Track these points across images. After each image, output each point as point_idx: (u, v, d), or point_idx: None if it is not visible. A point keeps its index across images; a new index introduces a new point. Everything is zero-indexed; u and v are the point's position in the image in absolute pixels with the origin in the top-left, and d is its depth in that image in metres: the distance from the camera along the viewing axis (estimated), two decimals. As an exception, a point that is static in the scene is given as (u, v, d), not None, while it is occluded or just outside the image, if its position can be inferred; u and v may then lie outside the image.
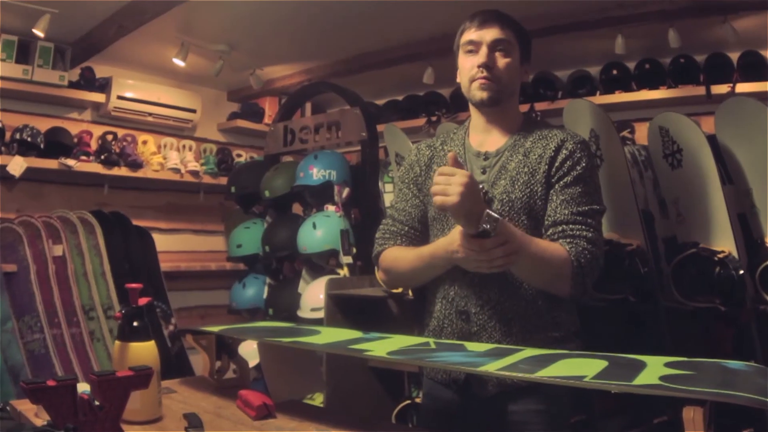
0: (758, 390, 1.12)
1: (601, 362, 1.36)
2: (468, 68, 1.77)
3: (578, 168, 1.70)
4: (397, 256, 1.85)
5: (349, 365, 3.08)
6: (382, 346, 1.57)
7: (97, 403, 1.25)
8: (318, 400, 2.97)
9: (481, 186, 1.73)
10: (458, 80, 1.84)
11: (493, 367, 1.32)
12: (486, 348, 1.57)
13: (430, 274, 1.80)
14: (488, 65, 1.73)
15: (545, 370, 1.29)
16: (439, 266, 1.74)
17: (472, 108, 1.85)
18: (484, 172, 1.77)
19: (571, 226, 1.66)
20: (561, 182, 1.70)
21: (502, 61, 1.74)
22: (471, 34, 1.76)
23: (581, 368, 1.31)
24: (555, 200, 1.69)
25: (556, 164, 1.71)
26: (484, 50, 1.73)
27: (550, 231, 1.68)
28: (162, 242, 4.35)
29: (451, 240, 1.64)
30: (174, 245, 4.66)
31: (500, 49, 1.74)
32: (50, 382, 1.18)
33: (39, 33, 3.41)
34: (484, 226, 1.49)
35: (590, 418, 2.22)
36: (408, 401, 3.09)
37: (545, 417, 1.67)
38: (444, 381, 1.82)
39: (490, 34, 1.74)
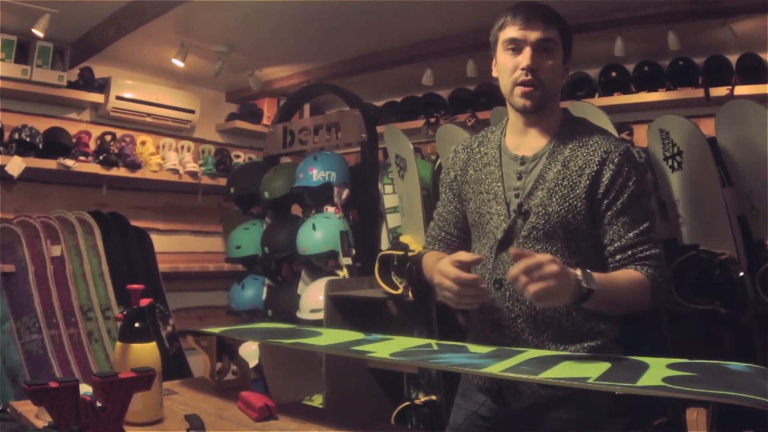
0: (760, 391, 1.13)
1: (603, 364, 1.37)
2: (510, 68, 1.67)
3: (630, 185, 1.63)
4: (425, 263, 1.85)
5: (348, 366, 3.08)
6: (385, 348, 1.58)
7: (99, 404, 1.25)
8: (317, 401, 2.97)
9: (516, 194, 1.70)
10: (495, 74, 1.76)
11: (496, 368, 1.33)
12: (488, 350, 1.57)
13: None
14: (533, 68, 1.64)
15: (548, 372, 1.30)
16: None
17: (510, 109, 1.77)
18: (519, 178, 1.71)
19: (639, 248, 1.62)
20: (618, 203, 1.63)
21: (546, 63, 1.65)
22: (513, 32, 1.66)
23: (585, 370, 1.31)
24: (616, 223, 1.64)
25: (605, 182, 1.63)
26: (528, 51, 1.64)
27: (619, 257, 1.63)
28: (160, 243, 4.34)
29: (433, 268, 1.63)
30: (172, 246, 4.65)
31: (545, 49, 1.65)
32: (52, 384, 1.18)
33: (38, 33, 3.41)
34: (585, 286, 1.46)
35: (589, 419, 2.22)
36: (407, 402, 3.08)
37: (578, 427, 1.62)
38: (480, 386, 1.78)
39: (535, 33, 1.64)
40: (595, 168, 1.63)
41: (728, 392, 1.13)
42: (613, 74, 3.92)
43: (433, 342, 1.70)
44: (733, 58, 3.55)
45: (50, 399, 1.17)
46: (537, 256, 1.40)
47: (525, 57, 1.64)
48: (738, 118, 2.17)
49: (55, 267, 3.46)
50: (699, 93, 3.58)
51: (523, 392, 1.67)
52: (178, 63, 3.92)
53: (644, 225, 1.63)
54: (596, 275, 1.49)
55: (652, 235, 1.63)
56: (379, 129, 3.69)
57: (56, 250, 3.46)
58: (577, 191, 1.63)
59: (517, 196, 1.69)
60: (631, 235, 1.62)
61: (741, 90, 3.39)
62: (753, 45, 3.45)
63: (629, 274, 1.60)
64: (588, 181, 1.63)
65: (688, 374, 1.26)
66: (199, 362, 3.62)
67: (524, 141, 1.74)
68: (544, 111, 1.70)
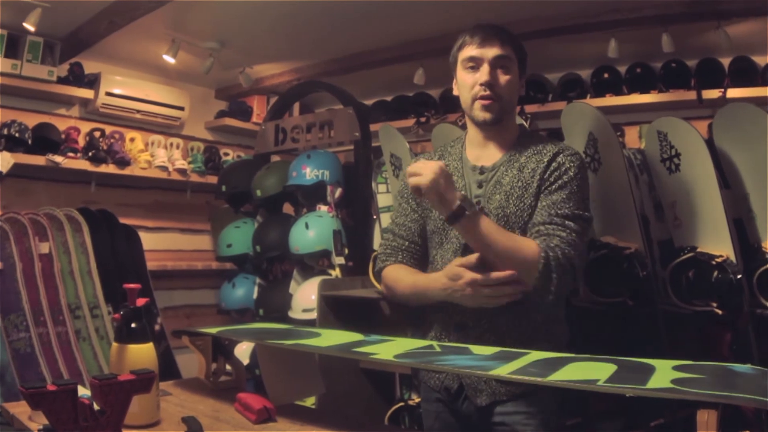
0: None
1: (609, 366, 1.36)
2: (470, 85, 1.79)
3: (564, 177, 1.74)
4: (397, 277, 1.89)
5: (341, 366, 3.06)
6: (387, 350, 1.56)
7: (97, 407, 1.22)
8: (308, 401, 2.95)
9: (477, 200, 1.78)
10: (456, 93, 1.87)
11: (504, 371, 1.32)
12: (492, 351, 1.56)
13: (425, 301, 1.85)
14: (491, 83, 1.75)
15: (557, 374, 1.29)
16: (433, 298, 1.78)
17: (470, 123, 1.87)
18: (480, 186, 1.81)
19: (547, 225, 1.69)
20: (546, 190, 1.74)
21: (503, 78, 1.77)
22: (472, 50, 1.78)
23: (592, 372, 1.31)
24: (539, 206, 1.73)
25: (546, 176, 1.74)
26: (486, 68, 1.76)
27: (529, 233, 1.72)
28: (148, 241, 4.30)
29: (450, 277, 1.69)
30: (160, 244, 4.61)
31: (501, 66, 1.77)
32: (50, 387, 1.15)
33: (30, 27, 3.36)
34: (460, 203, 1.61)
35: (586, 421, 2.23)
36: (401, 403, 3.07)
37: (535, 420, 1.70)
38: (435, 387, 1.85)
39: (492, 51, 1.76)
40: (544, 167, 1.75)
41: (740, 394, 1.13)
42: (606, 75, 3.94)
43: (434, 343, 1.69)
44: (725, 61, 3.57)
45: (48, 403, 1.14)
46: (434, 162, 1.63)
47: (483, 73, 1.76)
48: (737, 120, 2.17)
49: (43, 264, 3.41)
50: (691, 95, 3.59)
51: (483, 390, 1.73)
52: (170, 59, 3.88)
53: (564, 210, 1.70)
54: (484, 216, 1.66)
55: (568, 223, 1.69)
56: (373, 127, 3.67)
57: (44, 247, 3.41)
58: (530, 191, 1.74)
59: (478, 203, 1.77)
60: (545, 213, 1.70)
61: (733, 93, 3.42)
62: (746, 48, 3.46)
63: (524, 238, 1.69)
64: (538, 179, 1.75)
65: (695, 376, 1.26)
66: (186, 361, 3.59)
67: (484, 153, 1.85)
68: (502, 124, 1.81)
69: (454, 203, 1.62)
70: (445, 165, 1.65)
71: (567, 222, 1.69)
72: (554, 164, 1.75)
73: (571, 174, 1.74)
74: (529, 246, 1.65)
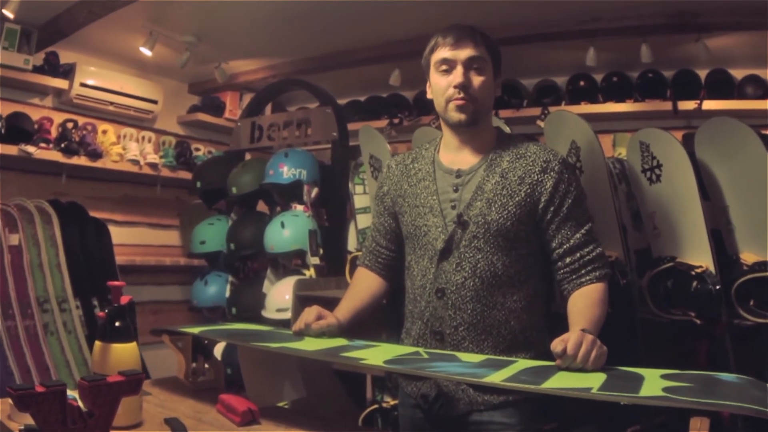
0: (757, 401, 1.17)
1: (599, 374, 1.38)
2: (443, 88, 1.75)
3: (572, 190, 1.74)
4: (352, 283, 2.04)
5: (314, 368, 3.03)
6: (375, 355, 1.56)
7: (85, 409, 1.19)
8: (281, 403, 2.92)
9: (452, 205, 1.75)
10: (429, 97, 1.83)
11: (497, 378, 1.32)
12: (480, 359, 1.57)
13: None
14: (465, 85, 1.71)
15: (548, 382, 1.30)
16: None
17: (445, 127, 1.84)
18: (456, 190, 1.77)
19: (586, 249, 1.72)
20: (564, 209, 1.72)
21: (477, 80, 1.73)
22: (445, 52, 1.73)
23: (583, 380, 1.32)
24: (564, 227, 1.73)
25: (548, 189, 1.71)
26: (459, 69, 1.72)
27: (569, 260, 1.72)
28: (117, 235, 4.21)
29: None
30: (129, 238, 4.53)
31: (475, 67, 1.73)
32: (39, 388, 1.12)
33: (9, 14, 3.29)
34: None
35: (562, 426, 2.24)
36: (375, 406, 3.06)
37: (513, 430, 1.68)
38: (412, 394, 1.82)
39: (465, 52, 1.72)
40: (536, 177, 1.72)
41: (733, 402, 1.17)
42: (582, 83, 3.96)
43: (420, 350, 1.69)
44: (702, 73, 3.61)
45: (37, 404, 1.11)
46: (573, 339, 1.43)
47: (457, 75, 1.73)
48: (720, 133, 2.20)
49: (13, 256, 3.33)
50: (666, 106, 3.64)
51: (461, 399, 1.71)
52: (146, 52, 3.83)
53: (587, 226, 1.75)
54: (586, 322, 1.59)
55: (594, 235, 1.77)
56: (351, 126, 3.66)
57: (14, 239, 3.33)
58: (516, 199, 1.70)
59: (453, 207, 1.75)
60: (578, 236, 1.72)
61: (709, 104, 3.47)
62: (723, 61, 3.52)
63: (589, 294, 1.70)
64: (528, 189, 1.71)
65: (685, 385, 1.29)
66: (152, 357, 3.53)
67: (459, 157, 1.81)
68: (478, 127, 1.77)
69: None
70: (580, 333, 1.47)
71: (593, 234, 1.75)
72: (552, 175, 1.71)
73: (575, 184, 1.75)
74: (602, 294, 1.71)
